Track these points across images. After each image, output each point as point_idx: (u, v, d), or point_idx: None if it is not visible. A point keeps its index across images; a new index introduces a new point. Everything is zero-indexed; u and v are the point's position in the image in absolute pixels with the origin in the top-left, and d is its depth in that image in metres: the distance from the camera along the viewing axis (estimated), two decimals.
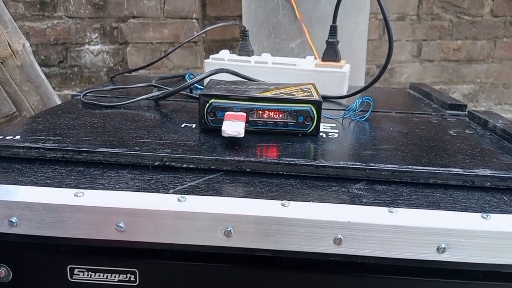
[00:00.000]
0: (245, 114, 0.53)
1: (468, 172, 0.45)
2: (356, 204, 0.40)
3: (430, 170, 0.45)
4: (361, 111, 0.65)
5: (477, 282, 0.43)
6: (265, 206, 0.40)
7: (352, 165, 0.46)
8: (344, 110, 0.66)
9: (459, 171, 0.45)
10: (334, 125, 0.61)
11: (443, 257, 0.38)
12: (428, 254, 0.38)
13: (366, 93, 0.74)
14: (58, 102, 1.06)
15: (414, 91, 0.92)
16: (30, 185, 0.41)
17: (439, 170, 0.45)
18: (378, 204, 0.40)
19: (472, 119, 0.68)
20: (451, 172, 0.45)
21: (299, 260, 0.43)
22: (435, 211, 0.39)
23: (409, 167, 0.45)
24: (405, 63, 1.95)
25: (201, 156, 0.47)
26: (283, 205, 0.40)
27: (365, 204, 0.40)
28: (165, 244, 0.40)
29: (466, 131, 0.61)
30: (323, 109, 0.56)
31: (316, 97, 0.55)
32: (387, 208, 0.39)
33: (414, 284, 0.44)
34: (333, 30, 0.80)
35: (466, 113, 0.71)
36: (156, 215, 0.39)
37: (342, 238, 0.38)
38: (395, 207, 0.39)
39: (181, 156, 0.47)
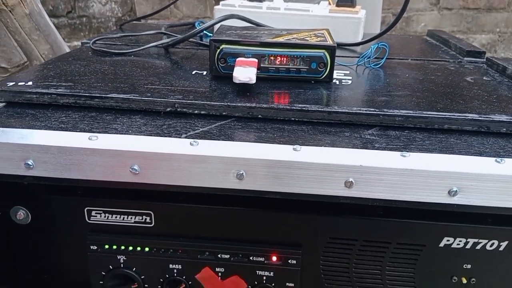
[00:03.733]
0: (256, 60, 0.52)
1: (483, 117, 0.44)
2: (368, 149, 0.40)
3: (445, 115, 0.44)
4: (376, 58, 0.63)
5: (486, 226, 0.44)
6: (276, 150, 0.40)
7: (365, 111, 0.45)
8: (359, 57, 0.64)
9: (475, 116, 0.44)
10: (347, 72, 0.60)
11: (454, 200, 0.38)
12: (439, 197, 0.38)
13: (382, 40, 0.71)
14: (68, 51, 1.05)
15: (432, 38, 0.89)
16: (45, 129, 0.41)
17: (454, 116, 0.44)
18: (391, 149, 0.40)
19: (490, 66, 0.66)
20: (466, 118, 0.44)
21: (310, 203, 0.43)
22: (448, 155, 0.39)
23: (424, 112, 0.45)
24: (423, 11, 1.87)
25: (212, 102, 0.47)
26: (294, 149, 0.40)
27: (377, 149, 0.40)
28: (179, 187, 0.41)
29: (484, 78, 0.60)
30: (337, 56, 0.54)
31: (330, 42, 0.54)
32: (399, 153, 0.39)
33: (423, 227, 0.45)
34: None
35: (485, 60, 0.69)
36: (169, 158, 0.39)
37: (353, 181, 0.39)
38: (407, 151, 0.39)
39: (193, 102, 0.47)
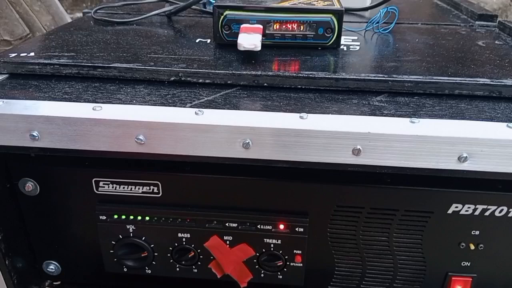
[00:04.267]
0: (261, 27, 0.51)
1: (495, 82, 0.43)
2: (376, 116, 0.39)
3: (456, 80, 0.43)
4: (384, 23, 0.61)
5: (496, 192, 0.43)
6: (283, 118, 0.39)
7: (374, 77, 0.44)
8: (367, 22, 0.63)
9: (486, 81, 0.43)
10: (355, 37, 0.59)
11: (464, 166, 0.38)
12: (449, 163, 0.38)
13: (391, 4, 0.69)
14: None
15: (442, 2, 0.86)
16: (48, 100, 0.41)
17: (465, 80, 0.43)
18: (400, 116, 0.39)
19: (502, 30, 0.64)
20: (477, 82, 0.43)
21: (316, 171, 0.43)
22: (459, 121, 0.38)
23: (434, 77, 0.43)
24: None
25: (217, 71, 0.46)
26: (301, 117, 0.39)
27: (386, 115, 0.39)
28: (185, 157, 0.41)
29: (496, 42, 0.58)
30: (345, 21, 0.53)
31: (337, 6, 0.52)
32: (408, 119, 0.38)
33: (431, 194, 0.44)
34: None
35: (497, 23, 0.67)
36: (174, 128, 0.39)
37: (361, 149, 0.38)
38: (417, 118, 0.38)
39: (197, 71, 0.46)
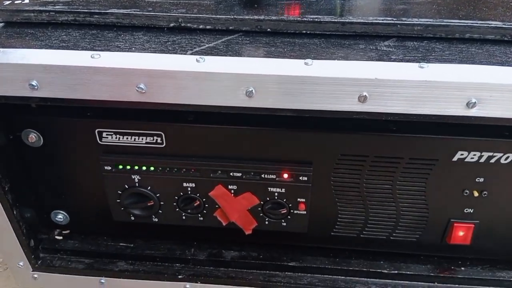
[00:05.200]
0: None
1: (507, 25, 0.41)
2: (384, 61, 0.38)
3: (467, 23, 0.41)
4: None
5: (502, 139, 0.43)
6: (287, 65, 0.38)
7: (382, 20, 0.42)
8: None
9: (498, 24, 0.41)
10: None
11: (472, 112, 0.37)
12: (457, 109, 0.37)
13: None
14: None
15: None
16: (46, 49, 0.40)
17: (476, 24, 0.41)
18: (408, 61, 0.38)
19: None
20: (489, 26, 0.41)
21: (321, 120, 0.43)
22: (468, 65, 0.37)
23: (445, 20, 0.42)
24: None
25: (218, 16, 0.44)
26: (306, 64, 0.38)
27: (393, 60, 0.38)
28: (187, 106, 0.40)
29: None
30: None
31: None
32: (417, 64, 0.37)
33: (436, 142, 0.44)
34: None
35: None
36: (175, 76, 0.38)
37: (367, 95, 0.37)
38: (426, 62, 0.37)
39: (197, 16, 0.44)
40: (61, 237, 0.57)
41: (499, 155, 0.44)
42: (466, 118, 0.37)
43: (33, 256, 0.54)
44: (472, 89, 0.36)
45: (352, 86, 0.37)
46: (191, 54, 0.40)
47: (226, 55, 0.39)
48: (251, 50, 0.41)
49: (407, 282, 0.52)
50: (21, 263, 0.54)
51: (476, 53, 0.39)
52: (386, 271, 0.52)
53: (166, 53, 0.40)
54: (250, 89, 0.38)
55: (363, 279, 0.53)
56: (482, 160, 0.44)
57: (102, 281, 0.55)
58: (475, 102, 0.36)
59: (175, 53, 0.40)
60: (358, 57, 0.39)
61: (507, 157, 0.44)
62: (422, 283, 0.52)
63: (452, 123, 0.38)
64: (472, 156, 0.44)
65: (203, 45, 0.41)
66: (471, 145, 0.44)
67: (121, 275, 0.54)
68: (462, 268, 0.53)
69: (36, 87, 0.39)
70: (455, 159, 0.45)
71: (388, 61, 0.38)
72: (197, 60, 0.38)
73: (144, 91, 0.38)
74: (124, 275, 0.54)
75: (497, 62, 0.38)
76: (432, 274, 0.52)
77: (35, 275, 0.55)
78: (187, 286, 0.54)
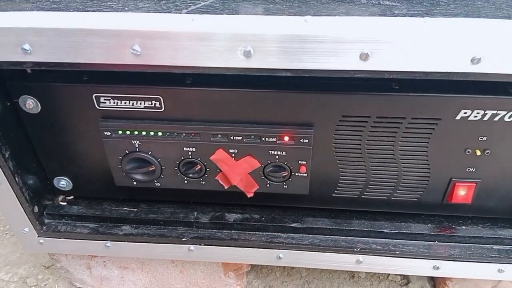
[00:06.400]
0: None
1: None
2: (387, 16, 0.37)
3: None
4: None
5: (506, 97, 0.42)
6: (286, 23, 0.37)
7: None
8: None
9: None
10: None
11: (476, 68, 0.36)
12: (461, 65, 0.36)
13: None
14: None
15: None
16: (36, 11, 0.39)
17: None
18: (412, 15, 0.37)
19: None
20: None
21: (321, 80, 0.42)
22: (473, 19, 0.35)
23: None
24: None
25: None
26: (306, 21, 0.37)
27: (397, 15, 0.37)
28: (184, 68, 0.39)
29: None
30: None
31: None
32: (421, 19, 0.36)
33: (439, 100, 0.43)
34: None
35: None
36: (170, 36, 0.37)
37: (369, 53, 0.36)
38: (430, 17, 0.36)
39: None
40: (65, 203, 0.58)
41: (503, 113, 0.43)
42: (470, 75, 0.36)
43: (38, 222, 0.55)
44: (477, 44, 0.35)
45: (354, 43, 0.36)
46: (186, 13, 0.38)
47: (222, 13, 0.38)
48: (248, 7, 0.39)
49: (407, 241, 0.53)
50: (26, 229, 0.55)
51: (483, 6, 0.38)
52: (386, 231, 0.53)
53: (160, 12, 0.38)
54: (248, 49, 0.37)
55: (364, 238, 0.53)
56: (485, 118, 0.44)
57: (108, 244, 0.56)
58: (480, 58, 0.35)
59: (170, 12, 0.38)
60: (360, 12, 0.38)
61: (511, 115, 0.43)
62: (423, 242, 0.53)
63: (455, 80, 0.37)
64: (475, 115, 0.43)
65: (198, 3, 0.40)
66: (474, 103, 0.43)
67: (126, 238, 0.55)
68: (463, 227, 0.54)
69: (29, 51, 0.38)
70: (458, 117, 0.44)
71: (391, 16, 0.37)
72: (192, 19, 0.37)
73: (138, 53, 0.37)
74: (129, 239, 0.55)
75: (504, 15, 0.36)
76: (432, 233, 0.53)
77: (41, 241, 0.56)
78: (191, 248, 0.55)
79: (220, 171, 0.50)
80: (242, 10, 0.39)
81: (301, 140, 0.47)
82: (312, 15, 0.37)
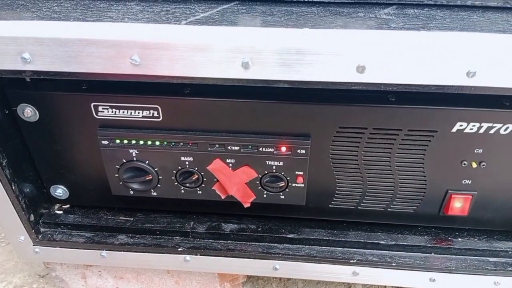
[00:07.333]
0: None
1: None
2: (383, 30, 0.37)
3: None
4: None
5: (502, 110, 0.43)
6: (284, 35, 0.37)
7: None
8: None
9: None
10: None
11: (472, 82, 0.36)
12: (457, 78, 0.36)
13: None
14: None
15: None
16: (37, 20, 0.39)
17: None
18: (408, 29, 0.37)
19: None
20: None
21: (318, 92, 0.42)
22: (469, 33, 0.36)
23: None
24: None
25: None
26: (303, 33, 0.37)
27: (393, 29, 0.37)
28: (182, 78, 0.39)
29: None
30: None
31: None
32: (418, 32, 0.36)
33: (436, 113, 0.43)
34: None
35: None
36: (169, 47, 0.37)
37: (365, 65, 0.36)
38: (426, 30, 0.36)
39: None
40: (61, 212, 0.58)
41: (498, 125, 0.43)
42: (466, 88, 0.37)
43: (33, 231, 0.54)
44: (472, 57, 0.35)
45: (350, 56, 0.36)
46: (186, 24, 0.39)
47: (221, 25, 0.38)
48: (247, 19, 0.40)
49: (404, 252, 0.53)
50: (22, 238, 0.54)
51: (478, 21, 0.39)
52: (383, 242, 0.53)
53: (159, 23, 0.39)
54: (246, 60, 0.37)
55: (360, 250, 0.53)
56: (481, 131, 0.44)
57: (103, 254, 0.55)
58: (475, 72, 0.35)
59: (169, 23, 0.39)
60: (357, 25, 0.38)
61: (507, 128, 0.43)
62: (419, 253, 0.53)
63: (451, 93, 0.38)
64: (471, 127, 0.44)
65: (197, 14, 0.40)
66: (470, 116, 0.43)
67: (122, 248, 0.55)
68: (459, 239, 0.54)
69: (28, 60, 0.38)
70: (454, 130, 0.44)
71: (388, 29, 0.37)
72: (191, 30, 0.37)
73: (137, 63, 0.38)
74: (124, 248, 0.55)
75: (499, 30, 0.37)
76: (429, 245, 0.53)
77: (36, 249, 0.56)
78: (187, 258, 0.55)
79: (217, 181, 0.50)
80: (240, 22, 0.39)
81: (298, 151, 0.47)
82: (309, 28, 0.37)
